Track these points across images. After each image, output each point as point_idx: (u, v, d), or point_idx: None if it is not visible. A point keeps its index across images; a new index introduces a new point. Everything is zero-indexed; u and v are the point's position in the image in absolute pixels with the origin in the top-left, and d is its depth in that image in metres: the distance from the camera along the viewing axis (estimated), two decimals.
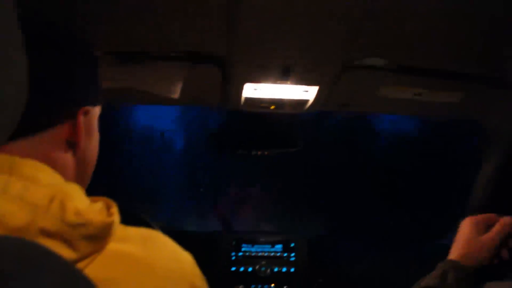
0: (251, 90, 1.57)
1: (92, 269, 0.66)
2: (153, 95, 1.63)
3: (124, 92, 1.62)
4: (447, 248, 2.32)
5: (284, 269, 2.17)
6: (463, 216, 2.21)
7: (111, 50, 1.39)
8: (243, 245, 2.19)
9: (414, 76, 1.50)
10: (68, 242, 0.63)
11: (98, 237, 0.67)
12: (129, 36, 1.31)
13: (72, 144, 0.80)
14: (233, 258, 2.18)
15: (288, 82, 1.50)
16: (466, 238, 1.19)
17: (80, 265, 0.65)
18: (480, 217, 1.22)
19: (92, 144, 0.87)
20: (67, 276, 0.56)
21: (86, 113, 0.82)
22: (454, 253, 1.20)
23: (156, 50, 1.41)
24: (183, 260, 0.79)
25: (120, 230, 0.73)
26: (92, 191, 0.78)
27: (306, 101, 1.63)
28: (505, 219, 1.19)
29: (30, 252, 0.53)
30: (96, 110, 0.87)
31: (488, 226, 1.20)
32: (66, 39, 0.81)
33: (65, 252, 0.63)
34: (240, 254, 2.19)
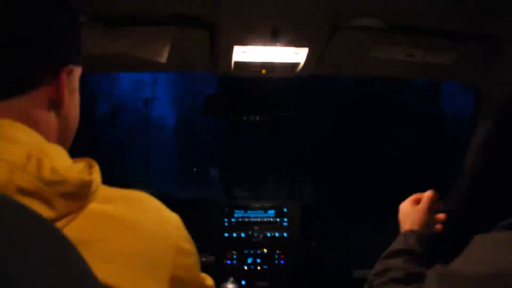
0: (240, 53, 1.55)
1: (71, 228, 0.65)
2: (141, 61, 1.60)
3: (112, 59, 1.60)
4: None
5: (276, 234, 2.19)
6: (457, 181, 2.22)
7: (97, 16, 1.36)
8: (236, 211, 2.20)
9: (406, 35, 1.47)
10: (45, 200, 0.63)
11: (76, 196, 0.66)
12: (114, 0, 1.28)
13: (55, 104, 0.79)
14: (226, 224, 2.19)
15: (278, 44, 1.47)
16: (406, 213, 1.41)
17: (58, 224, 0.63)
18: (409, 198, 1.45)
19: (74, 103, 0.85)
20: (44, 233, 0.55)
21: (69, 72, 0.80)
22: (404, 227, 1.37)
23: (142, 14, 1.39)
24: (169, 221, 0.77)
25: (103, 191, 0.71)
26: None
27: (297, 63, 1.61)
28: (427, 192, 1.43)
29: (6, 208, 0.53)
30: (79, 70, 0.85)
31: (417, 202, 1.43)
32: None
33: (43, 210, 0.62)
34: (233, 220, 2.19)
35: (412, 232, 1.30)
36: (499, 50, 1.51)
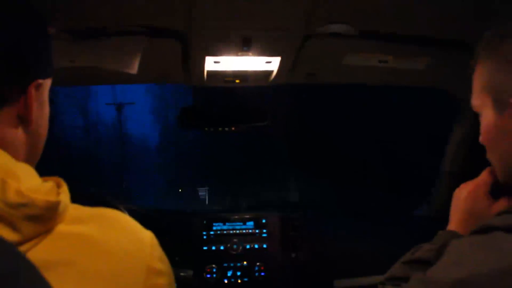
0: (213, 64, 1.54)
1: (38, 251, 0.62)
2: (112, 74, 1.58)
3: (82, 72, 1.58)
4: (423, 219, 2.36)
5: (256, 246, 2.16)
6: (435, 185, 2.24)
7: (67, 27, 1.34)
8: (214, 224, 2.17)
9: (378, 42, 1.48)
10: (9, 223, 0.60)
11: (43, 218, 0.63)
12: (84, 11, 1.26)
13: (23, 119, 0.75)
14: (205, 237, 2.15)
15: (250, 54, 1.47)
16: (463, 208, 1.14)
17: (24, 247, 0.61)
18: (474, 183, 1.15)
19: (43, 118, 0.82)
20: (4, 258, 0.52)
21: (38, 87, 0.77)
22: (453, 224, 1.15)
23: (112, 25, 1.36)
24: (142, 240, 0.74)
25: (73, 210, 0.69)
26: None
27: (270, 72, 1.61)
28: (481, 175, 1.12)
29: None
30: (48, 83, 0.82)
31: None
32: (15, 10, 0.76)
33: (7, 234, 0.59)
34: (212, 233, 2.16)
35: (455, 237, 1.05)
36: (469, 55, 1.52)
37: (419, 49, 1.53)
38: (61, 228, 0.65)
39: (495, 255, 0.75)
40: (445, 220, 1.32)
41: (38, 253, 0.61)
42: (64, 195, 0.67)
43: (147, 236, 0.75)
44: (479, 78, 0.98)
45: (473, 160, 1.79)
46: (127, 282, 0.68)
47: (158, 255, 0.75)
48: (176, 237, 2.15)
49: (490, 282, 0.73)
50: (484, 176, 1.11)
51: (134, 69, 1.51)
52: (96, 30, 1.37)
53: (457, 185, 1.45)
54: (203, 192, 19.51)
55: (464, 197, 1.14)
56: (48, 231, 0.64)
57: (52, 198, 0.64)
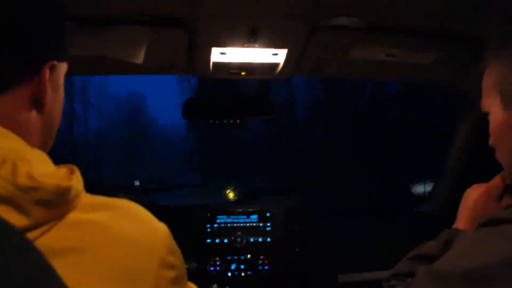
0: (219, 55, 1.53)
1: (49, 237, 0.61)
2: (117, 63, 1.58)
3: (87, 61, 1.57)
4: (423, 216, 2.35)
5: (260, 239, 2.15)
6: (438, 182, 2.23)
7: (74, 15, 1.33)
8: (218, 216, 2.16)
9: (386, 35, 1.46)
10: (20, 207, 0.59)
11: (53, 203, 0.62)
12: (90, 0, 1.26)
13: (37, 102, 0.74)
14: (209, 229, 2.15)
15: (256, 45, 1.46)
16: (472, 207, 1.14)
17: (34, 233, 0.60)
18: (486, 185, 1.16)
19: (57, 102, 0.80)
20: (11, 243, 0.52)
21: (52, 68, 0.75)
22: (460, 222, 1.15)
23: (119, 14, 1.36)
24: (155, 232, 0.72)
25: (86, 199, 0.68)
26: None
27: (276, 64, 1.59)
28: (493, 180, 1.14)
29: None
30: (63, 66, 0.81)
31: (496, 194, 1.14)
32: None
33: (16, 218, 0.58)
34: (216, 225, 2.16)
35: (455, 231, 1.09)
36: (480, 50, 1.50)
37: (427, 43, 1.51)
38: (73, 215, 0.64)
39: (504, 245, 0.75)
40: (447, 217, 1.31)
41: (48, 240, 0.60)
42: (76, 181, 0.66)
43: (161, 227, 0.74)
44: (488, 78, 1.00)
45: (479, 158, 1.78)
46: (138, 272, 0.67)
47: (172, 248, 0.74)
48: (180, 229, 2.12)
49: (500, 271, 0.73)
50: (496, 180, 1.14)
51: (140, 59, 1.50)
52: (102, 18, 1.37)
53: (461, 183, 1.44)
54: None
55: (475, 197, 1.16)
56: (59, 218, 0.63)
57: (63, 183, 0.63)
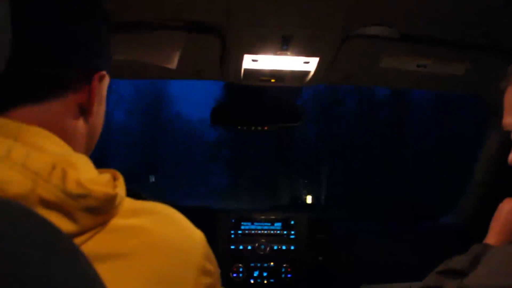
0: (251, 62, 1.55)
1: (94, 243, 0.62)
2: (150, 68, 1.60)
3: (122, 66, 1.60)
4: (448, 227, 2.33)
5: (283, 247, 2.15)
6: (465, 193, 2.21)
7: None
8: (242, 223, 2.17)
9: (417, 45, 1.46)
10: (68, 213, 0.60)
11: (100, 210, 0.63)
12: (127, 4, 1.28)
13: (84, 111, 0.77)
14: (232, 236, 2.16)
15: (288, 53, 1.47)
16: (505, 222, 1.12)
17: (81, 238, 0.61)
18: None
19: (101, 111, 0.83)
20: (59, 248, 0.52)
21: (102, 78, 0.78)
22: (491, 237, 1.12)
23: (154, 18, 1.38)
24: (194, 238, 0.73)
25: (128, 204, 0.69)
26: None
27: (307, 73, 1.60)
28: None
29: (24, 218, 0.50)
30: (108, 78, 0.83)
31: None
32: (87, 2, 0.78)
33: (64, 224, 0.59)
34: (240, 232, 2.16)
35: (484, 247, 1.05)
36: (509, 61, 1.50)
37: (459, 54, 1.51)
38: (116, 221, 0.65)
39: None
40: (473, 228, 1.29)
41: (92, 246, 0.62)
42: (121, 187, 0.67)
43: (199, 234, 0.75)
44: (510, 97, 0.97)
45: (507, 170, 1.76)
46: (178, 279, 0.68)
47: (209, 255, 0.75)
48: (204, 235, 2.13)
49: None
50: None
51: (173, 64, 1.52)
52: (137, 24, 1.40)
53: (489, 194, 1.43)
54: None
55: (507, 210, 1.14)
56: (103, 223, 0.64)
57: (110, 190, 0.64)
